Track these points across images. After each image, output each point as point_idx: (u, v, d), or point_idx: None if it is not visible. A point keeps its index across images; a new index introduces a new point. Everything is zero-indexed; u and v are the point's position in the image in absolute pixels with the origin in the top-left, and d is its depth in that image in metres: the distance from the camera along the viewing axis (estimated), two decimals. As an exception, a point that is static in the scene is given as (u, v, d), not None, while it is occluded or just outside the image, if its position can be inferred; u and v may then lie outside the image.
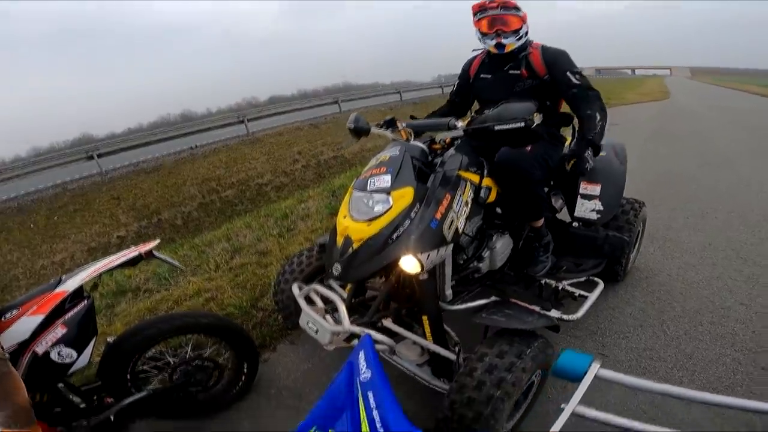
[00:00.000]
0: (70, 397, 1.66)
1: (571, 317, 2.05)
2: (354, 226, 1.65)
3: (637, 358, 2.21)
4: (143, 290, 3.45)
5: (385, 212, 1.60)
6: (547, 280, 2.24)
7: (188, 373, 1.97)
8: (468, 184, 1.82)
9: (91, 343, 1.62)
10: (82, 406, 1.68)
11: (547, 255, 2.29)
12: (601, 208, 2.31)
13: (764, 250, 3.18)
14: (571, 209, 2.41)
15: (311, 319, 1.76)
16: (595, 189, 2.31)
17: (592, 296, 2.22)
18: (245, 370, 2.15)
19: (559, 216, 2.56)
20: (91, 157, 9.17)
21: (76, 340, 1.56)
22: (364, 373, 1.18)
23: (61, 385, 1.63)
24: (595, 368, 1.00)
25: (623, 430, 0.91)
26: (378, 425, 1.06)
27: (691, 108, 12.09)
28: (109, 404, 1.76)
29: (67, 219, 6.04)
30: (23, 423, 1.36)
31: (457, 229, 1.74)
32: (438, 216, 1.65)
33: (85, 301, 1.62)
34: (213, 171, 7.32)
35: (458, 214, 1.74)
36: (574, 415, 0.94)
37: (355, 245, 1.62)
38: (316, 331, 1.72)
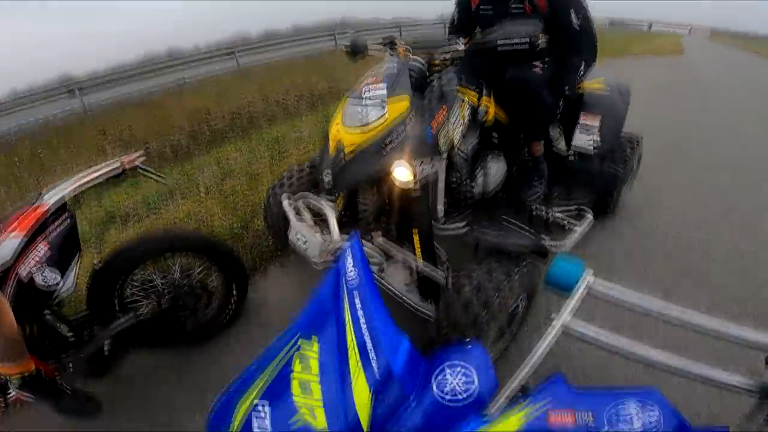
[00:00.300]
0: (58, 327, 1.59)
1: (559, 244, 2.06)
2: (347, 133, 1.60)
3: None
4: (132, 216, 3.38)
5: (380, 120, 1.55)
6: (538, 208, 2.26)
7: (177, 297, 1.92)
8: (465, 100, 1.77)
9: (75, 264, 1.54)
10: (71, 337, 1.63)
11: (541, 182, 2.30)
12: (599, 140, 2.29)
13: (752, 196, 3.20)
14: (569, 141, 2.39)
15: (301, 233, 1.74)
16: (595, 122, 2.28)
17: (582, 227, 2.24)
18: (234, 293, 2.13)
19: (555, 148, 2.51)
20: (71, 91, 8.90)
21: (60, 259, 1.48)
22: (351, 275, 1.12)
23: (47, 313, 1.56)
24: (588, 278, 0.98)
25: (613, 349, 0.90)
26: (364, 330, 1.00)
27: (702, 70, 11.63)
28: (93, 334, 1.70)
29: (51, 153, 5.83)
30: (15, 356, 1.30)
31: (452, 141, 1.71)
32: (434, 126, 1.61)
33: (68, 218, 1.53)
34: (202, 103, 7.01)
35: (454, 127, 1.71)
36: (563, 329, 0.92)
37: (348, 153, 1.58)
38: (305, 244, 1.71)
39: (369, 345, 0.97)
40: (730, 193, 3.30)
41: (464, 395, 0.92)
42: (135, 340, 1.87)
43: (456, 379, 0.94)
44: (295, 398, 0.95)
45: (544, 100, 1.97)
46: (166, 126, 6.12)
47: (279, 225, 2.27)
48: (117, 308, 1.77)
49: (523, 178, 2.29)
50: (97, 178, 1.61)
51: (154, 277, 1.92)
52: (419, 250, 1.73)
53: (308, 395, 0.95)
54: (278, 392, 0.97)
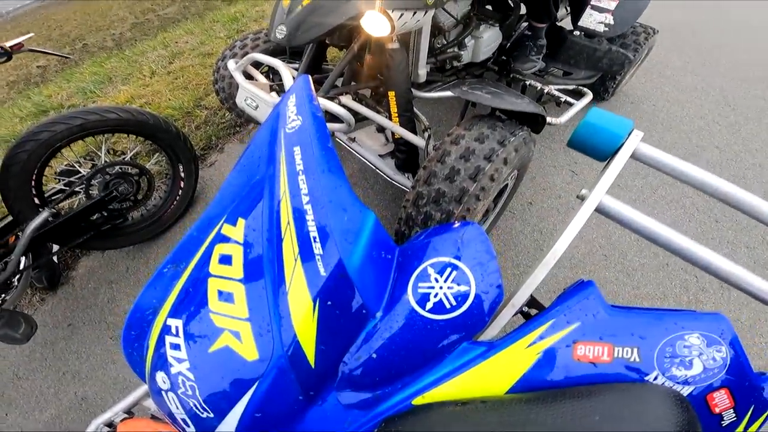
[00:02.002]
0: None
1: (554, 120, 1.77)
2: None
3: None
4: (67, 107, 2.93)
5: None
6: (533, 82, 1.94)
7: (107, 184, 1.57)
8: None
9: None
10: None
11: (538, 57, 1.95)
12: (612, 22, 1.99)
13: (755, 104, 2.87)
14: (576, 19, 2.03)
15: (250, 94, 1.37)
16: (611, 4, 1.99)
17: (579, 104, 1.96)
18: (182, 175, 1.79)
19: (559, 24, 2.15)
20: None
21: None
22: (293, 121, 0.70)
23: None
24: (636, 138, 0.68)
25: (646, 233, 0.63)
26: (304, 202, 0.61)
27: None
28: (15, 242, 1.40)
29: None
30: None
31: None
32: None
33: None
34: None
35: None
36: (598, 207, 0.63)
37: (306, 2, 1.21)
38: (256, 108, 1.36)
39: (311, 225, 0.59)
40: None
41: (454, 307, 0.59)
42: (75, 241, 1.58)
43: (444, 284, 0.60)
44: (212, 314, 0.59)
45: None
46: (104, 20, 5.24)
47: (232, 95, 1.94)
48: (40, 206, 1.46)
49: (518, 50, 1.92)
50: None
51: (79, 165, 1.59)
52: (396, 113, 1.40)
53: (230, 307, 0.59)
54: (193, 305, 0.62)
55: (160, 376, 0.63)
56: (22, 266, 1.44)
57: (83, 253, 1.85)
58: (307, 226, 0.59)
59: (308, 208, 0.60)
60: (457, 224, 0.66)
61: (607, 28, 1.99)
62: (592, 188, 0.64)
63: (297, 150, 0.64)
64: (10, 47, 1.44)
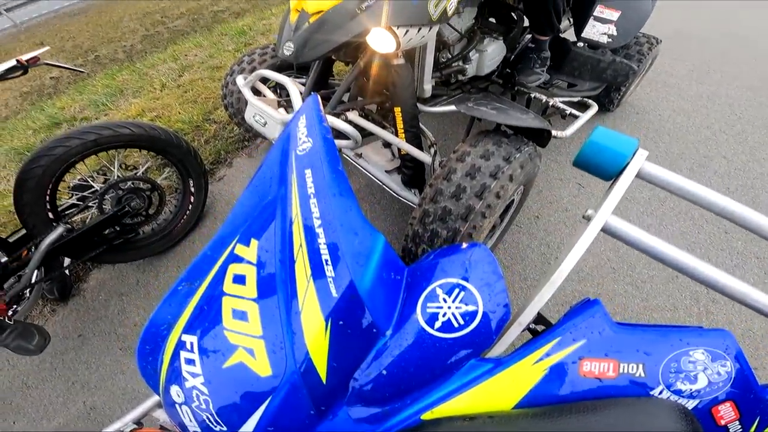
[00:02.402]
0: None
1: (560, 133, 1.78)
2: (312, 0, 1.24)
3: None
4: (80, 119, 3.00)
5: None
6: (537, 95, 1.95)
7: (120, 199, 1.60)
8: None
9: None
10: (10, 261, 1.37)
11: (542, 69, 1.96)
12: (615, 33, 1.99)
13: (761, 112, 2.86)
14: (579, 30, 2.05)
15: (258, 111, 1.40)
16: (613, 15, 1.98)
17: (585, 116, 1.97)
18: (192, 189, 1.82)
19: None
20: None
21: None
22: (303, 146, 0.72)
23: None
24: (641, 157, 0.68)
25: (652, 253, 0.63)
26: (316, 225, 0.63)
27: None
28: (30, 255, 1.43)
29: None
30: None
31: (445, 10, 1.29)
32: None
33: None
34: (156, 4, 6.09)
35: None
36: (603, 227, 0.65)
37: (313, 19, 1.23)
38: (265, 125, 1.39)
39: (323, 248, 0.61)
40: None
41: (462, 326, 0.61)
42: (88, 254, 1.60)
43: (452, 304, 0.61)
44: (227, 331, 0.62)
45: None
46: (115, 31, 5.37)
47: (241, 110, 1.98)
48: (54, 220, 1.49)
49: (522, 63, 1.93)
50: None
51: (92, 180, 1.61)
52: (402, 129, 1.42)
53: (244, 325, 0.61)
54: (207, 322, 0.65)
55: (175, 390, 0.65)
56: (34, 279, 1.47)
57: (94, 266, 1.88)
58: (320, 248, 0.61)
59: (320, 231, 0.62)
60: (464, 245, 0.68)
61: (610, 39, 1.99)
62: (598, 208, 0.65)
63: (308, 173, 0.67)
64: (27, 61, 1.45)
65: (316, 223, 0.63)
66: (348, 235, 0.61)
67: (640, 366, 0.56)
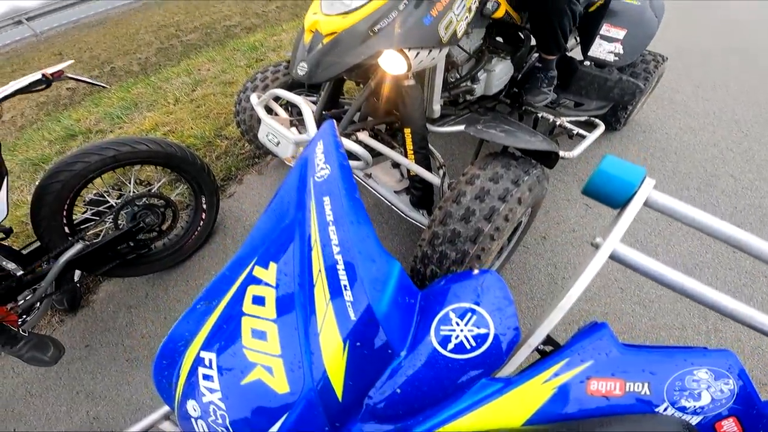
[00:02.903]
0: (3, 264, 1.34)
1: (567, 154, 1.79)
2: (326, 20, 1.27)
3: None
4: (95, 131, 3.06)
5: (367, 4, 1.22)
6: (545, 114, 1.97)
7: (135, 215, 1.63)
8: None
9: (3, 187, 1.27)
10: (24, 274, 1.37)
11: (549, 88, 1.99)
12: (621, 52, 2.01)
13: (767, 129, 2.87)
14: (585, 49, 2.08)
15: (271, 130, 1.43)
16: (619, 33, 2.01)
17: (592, 136, 1.98)
18: (204, 206, 1.85)
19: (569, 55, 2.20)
20: (19, 23, 8.03)
21: None
22: (321, 172, 0.75)
23: None
24: (649, 186, 0.70)
25: (660, 280, 0.66)
26: (335, 251, 0.66)
27: None
28: (46, 268, 1.44)
29: (6, 79, 5.23)
30: None
31: (455, 33, 1.33)
32: (434, 13, 1.26)
33: None
34: (171, 18, 6.27)
35: (458, 18, 1.34)
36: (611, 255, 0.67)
37: (326, 40, 1.26)
38: (278, 144, 1.42)
39: (342, 273, 0.65)
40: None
41: (473, 348, 0.64)
42: (101, 269, 1.63)
43: (465, 327, 0.64)
44: (246, 349, 0.65)
45: (570, 8, 1.58)
46: (131, 43, 5.52)
47: (253, 127, 2.03)
48: (70, 234, 1.51)
49: (529, 82, 1.97)
50: (13, 90, 1.33)
51: (108, 195, 1.64)
52: (411, 150, 1.44)
53: (263, 344, 0.64)
54: (226, 340, 0.68)
55: (191, 404, 0.67)
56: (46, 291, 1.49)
57: (104, 278, 1.90)
58: (338, 274, 0.65)
59: (339, 258, 0.66)
60: (475, 271, 0.71)
61: (617, 58, 2.01)
62: (606, 236, 0.68)
63: (327, 200, 0.70)
64: (51, 74, 1.44)
65: (335, 249, 0.67)
66: (366, 262, 0.65)
67: (646, 385, 0.58)
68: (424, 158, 1.47)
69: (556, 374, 0.61)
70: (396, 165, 1.70)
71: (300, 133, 1.45)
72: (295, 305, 0.66)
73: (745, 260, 1.77)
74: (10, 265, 1.36)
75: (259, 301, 0.68)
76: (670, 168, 2.33)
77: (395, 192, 1.59)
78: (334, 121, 0.87)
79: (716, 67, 3.53)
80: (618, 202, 0.71)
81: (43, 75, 1.39)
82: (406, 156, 1.47)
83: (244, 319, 0.68)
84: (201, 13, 6.16)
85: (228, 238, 1.97)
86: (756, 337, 1.50)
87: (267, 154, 2.39)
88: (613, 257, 0.67)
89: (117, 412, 1.45)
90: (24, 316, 1.48)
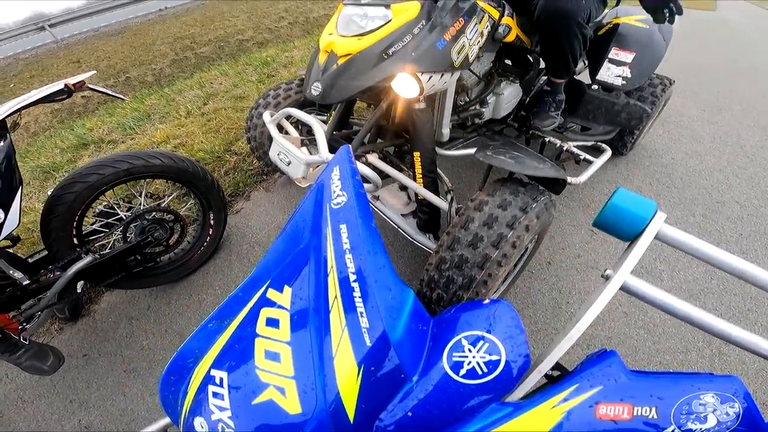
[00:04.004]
0: (11, 272, 1.34)
1: (574, 180, 1.81)
2: (341, 41, 1.30)
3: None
4: (107, 141, 3.10)
5: (382, 27, 1.25)
6: (552, 139, 2.00)
7: (144, 229, 1.65)
8: (486, 15, 1.45)
9: (18, 196, 1.26)
10: (30, 284, 1.38)
11: (557, 112, 2.02)
12: (629, 75, 2.02)
13: None
14: (593, 72, 2.10)
15: (283, 149, 1.46)
16: (628, 57, 2.01)
17: (598, 162, 2.01)
18: (211, 222, 1.86)
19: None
20: (42, 29, 8.22)
21: (0, 193, 1.19)
22: (338, 199, 0.76)
23: None
24: (660, 220, 0.72)
25: (668, 310, 0.68)
26: (351, 278, 0.68)
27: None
28: (53, 278, 1.45)
29: (24, 85, 5.43)
30: None
31: (467, 57, 1.38)
32: (447, 38, 1.30)
33: (2, 143, 1.22)
34: (186, 30, 6.45)
35: (471, 42, 1.38)
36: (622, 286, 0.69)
37: (341, 61, 1.29)
38: (289, 164, 1.45)
39: (358, 301, 0.67)
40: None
41: (485, 374, 0.65)
42: (106, 281, 1.64)
43: (477, 354, 0.66)
44: (258, 369, 0.66)
45: (581, 32, 1.60)
46: (147, 54, 5.64)
47: (264, 146, 2.06)
48: (78, 245, 1.51)
49: (537, 106, 2.00)
50: (35, 99, 1.32)
51: (118, 207, 1.65)
52: (420, 174, 1.46)
53: (276, 366, 0.66)
54: (238, 360, 0.69)
55: (198, 421, 0.68)
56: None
57: (107, 289, 1.90)
58: (355, 301, 0.67)
59: (355, 285, 0.68)
60: (486, 301, 0.73)
61: (624, 82, 2.02)
62: (617, 269, 0.69)
63: (343, 228, 0.73)
64: (73, 85, 1.44)
65: (352, 277, 0.69)
66: (382, 290, 0.67)
67: (654, 409, 0.60)
68: (432, 182, 1.49)
69: (565, 399, 0.62)
70: (403, 187, 1.71)
71: (311, 153, 1.47)
72: (309, 328, 0.68)
73: (750, 286, 1.76)
74: (17, 274, 1.36)
75: (273, 323, 0.70)
76: (676, 194, 2.35)
77: (402, 215, 1.61)
78: (350, 146, 0.89)
79: (721, 87, 3.56)
80: (629, 235, 0.73)
81: (66, 85, 1.39)
82: (414, 179, 1.48)
83: (257, 340, 0.69)
84: (215, 27, 6.33)
85: (233, 254, 1.98)
86: (760, 360, 1.51)
87: (275, 172, 2.41)
88: (624, 289, 0.69)
89: (110, 422, 1.44)
90: (24, 324, 1.47)
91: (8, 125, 1.28)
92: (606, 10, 1.97)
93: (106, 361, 1.63)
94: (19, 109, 1.26)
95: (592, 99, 2.10)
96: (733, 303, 1.72)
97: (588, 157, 1.97)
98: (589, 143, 2.18)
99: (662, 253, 1.93)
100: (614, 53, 2.01)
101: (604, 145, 2.16)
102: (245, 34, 5.74)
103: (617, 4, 2.02)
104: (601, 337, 1.59)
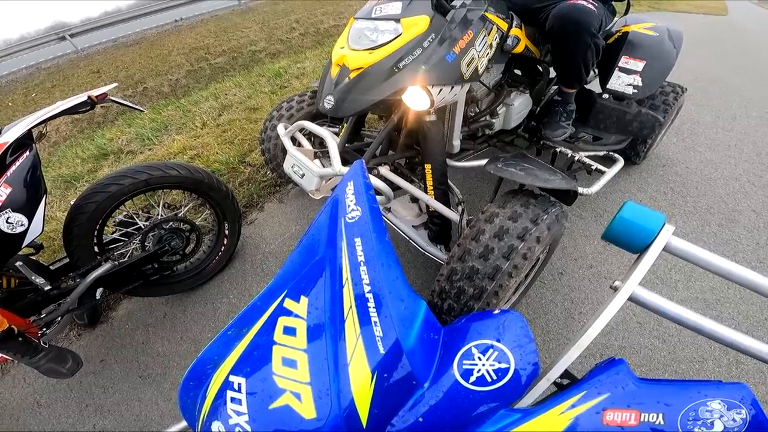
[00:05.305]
0: (33, 278, 1.40)
1: (586, 191, 1.81)
2: (353, 55, 1.34)
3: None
4: (126, 152, 3.18)
5: (392, 41, 1.29)
6: (563, 149, 2.00)
7: (161, 238, 1.71)
8: (495, 27, 1.48)
9: (42, 205, 1.32)
10: (51, 289, 1.44)
11: (568, 122, 2.01)
12: (640, 84, 1.99)
13: None
14: (604, 81, 2.08)
15: (297, 162, 1.50)
16: (638, 65, 1.99)
17: (611, 172, 2.00)
18: (226, 232, 1.92)
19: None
20: (63, 38, 8.40)
21: (25, 202, 1.25)
22: (352, 213, 0.81)
23: (19, 263, 1.37)
24: (668, 232, 0.74)
25: (677, 320, 0.70)
26: (366, 289, 0.72)
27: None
28: (73, 284, 1.50)
29: (45, 95, 5.60)
30: None
31: (476, 69, 1.41)
32: (456, 51, 1.33)
33: (29, 153, 1.28)
34: (201, 41, 6.62)
35: (480, 54, 1.41)
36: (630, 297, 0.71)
37: (353, 74, 1.33)
38: (302, 176, 1.49)
39: (372, 311, 0.70)
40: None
41: (494, 381, 0.67)
42: (124, 288, 1.69)
43: (486, 362, 0.68)
44: (275, 376, 0.70)
45: (593, 42, 1.61)
46: (164, 64, 5.79)
47: (277, 158, 2.10)
48: (98, 253, 1.58)
49: (548, 116, 2.00)
50: (60, 111, 1.38)
51: (137, 217, 1.71)
52: (431, 186, 1.48)
53: (293, 372, 0.69)
54: (256, 366, 0.73)
55: (216, 425, 0.71)
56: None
57: (125, 296, 1.95)
58: (369, 311, 0.70)
59: (370, 296, 0.72)
60: (496, 311, 0.76)
61: (636, 90, 1.99)
62: (625, 280, 0.71)
63: (358, 241, 0.77)
64: (96, 97, 1.48)
65: (366, 288, 0.73)
66: (395, 301, 0.71)
67: (660, 415, 0.61)
68: (443, 194, 1.51)
69: (572, 406, 0.64)
70: (414, 199, 1.73)
71: (324, 165, 1.51)
72: (325, 337, 0.71)
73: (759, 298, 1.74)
74: (39, 280, 1.41)
75: (290, 331, 0.73)
76: (691, 203, 2.33)
77: (413, 226, 1.63)
78: (363, 161, 0.92)
79: (734, 94, 3.51)
80: (637, 248, 0.74)
81: (89, 97, 1.45)
82: (425, 191, 1.51)
83: (275, 347, 0.73)
84: (229, 38, 6.48)
85: (247, 264, 2.02)
86: (776, 368, 1.49)
87: (288, 183, 2.46)
88: (632, 299, 0.70)
89: (124, 426, 1.47)
90: (45, 329, 1.52)
91: (34, 136, 1.34)
92: (615, 19, 1.97)
93: (122, 366, 1.67)
94: (45, 120, 1.32)
95: (603, 108, 2.09)
96: (750, 312, 1.70)
97: (600, 167, 1.96)
98: (601, 153, 2.17)
99: (678, 262, 1.91)
100: (624, 62, 1.99)
101: (616, 155, 2.15)
102: (258, 45, 5.86)
103: (626, 13, 2.02)
104: (614, 346, 1.59)
